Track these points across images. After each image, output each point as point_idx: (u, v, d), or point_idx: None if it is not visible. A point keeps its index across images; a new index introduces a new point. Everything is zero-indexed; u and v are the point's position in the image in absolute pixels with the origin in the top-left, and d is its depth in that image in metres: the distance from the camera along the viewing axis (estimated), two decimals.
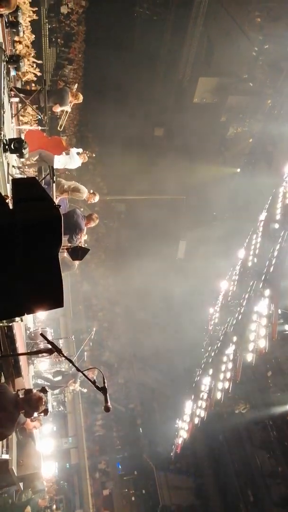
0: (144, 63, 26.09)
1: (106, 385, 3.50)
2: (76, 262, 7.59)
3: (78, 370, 3.85)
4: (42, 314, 12.15)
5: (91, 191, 8.58)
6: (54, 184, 6.89)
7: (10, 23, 7.63)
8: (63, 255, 6.78)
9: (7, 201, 3.31)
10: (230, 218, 22.13)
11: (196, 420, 14.34)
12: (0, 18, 6.49)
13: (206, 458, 22.18)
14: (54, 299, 2.70)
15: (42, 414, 5.17)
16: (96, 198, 8.56)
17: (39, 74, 10.45)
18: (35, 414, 4.84)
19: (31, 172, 8.31)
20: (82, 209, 8.60)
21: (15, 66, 7.35)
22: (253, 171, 19.55)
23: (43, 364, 10.95)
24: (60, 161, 8.38)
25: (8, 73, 6.98)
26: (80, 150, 9.06)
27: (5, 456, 6.59)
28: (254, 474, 18.30)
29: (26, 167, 8.38)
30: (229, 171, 21.87)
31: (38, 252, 2.57)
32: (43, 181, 6.85)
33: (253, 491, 18.33)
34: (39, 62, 10.81)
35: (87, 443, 18.98)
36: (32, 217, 2.49)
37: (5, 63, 6.33)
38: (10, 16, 7.39)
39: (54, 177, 6.90)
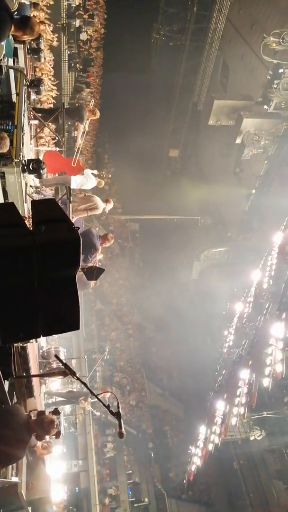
0: (160, 87, 26.70)
1: (120, 409, 3.40)
2: (92, 281, 7.56)
3: (92, 394, 3.76)
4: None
5: (105, 200, 8.53)
6: (70, 204, 6.97)
7: (32, 49, 7.91)
8: (79, 274, 6.76)
9: (25, 221, 3.33)
10: (244, 239, 21.99)
11: (210, 447, 13.87)
12: (23, 44, 6.72)
13: (219, 487, 21.44)
14: (70, 322, 2.67)
15: (54, 437, 5.04)
16: (111, 205, 8.52)
17: (56, 93, 10.69)
18: (47, 437, 4.73)
19: (47, 192, 8.41)
20: (97, 229, 8.63)
21: (36, 90, 7.56)
22: (268, 192, 19.54)
23: (55, 383, 10.84)
24: (76, 182, 8.47)
25: (28, 96, 7.17)
26: (95, 171, 9.13)
27: (14, 479, 6.42)
28: (270, 505, 17.54)
29: (43, 187, 8.48)
30: (244, 192, 21.81)
31: (56, 274, 2.55)
32: (59, 201, 6.92)
33: None
34: (55, 87, 11.14)
35: (97, 467, 18.52)
36: (52, 239, 2.49)
37: (26, 87, 6.51)
38: (32, 43, 7.66)
39: (71, 197, 6.98)
